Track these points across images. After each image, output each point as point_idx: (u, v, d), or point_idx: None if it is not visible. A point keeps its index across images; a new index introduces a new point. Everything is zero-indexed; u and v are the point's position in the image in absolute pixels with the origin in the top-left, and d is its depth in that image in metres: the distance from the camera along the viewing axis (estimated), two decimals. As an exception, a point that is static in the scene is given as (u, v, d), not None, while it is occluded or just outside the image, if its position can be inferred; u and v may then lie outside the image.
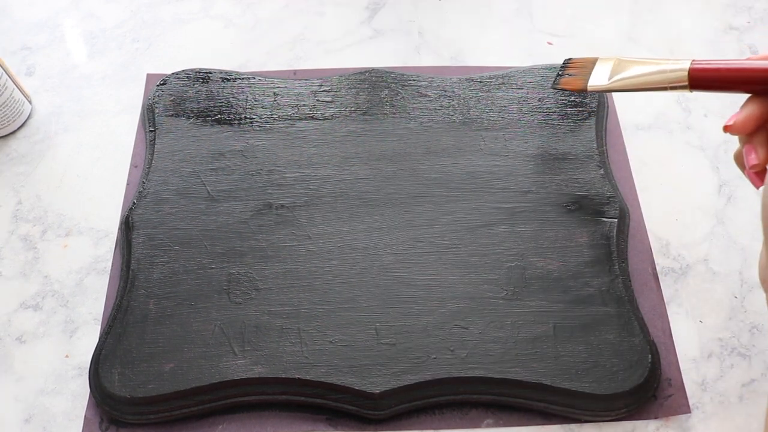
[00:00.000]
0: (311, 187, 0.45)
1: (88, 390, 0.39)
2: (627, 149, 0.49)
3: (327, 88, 0.50)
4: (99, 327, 0.42)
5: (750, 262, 0.44)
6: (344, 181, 0.45)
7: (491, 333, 0.40)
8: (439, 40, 0.55)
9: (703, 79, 0.36)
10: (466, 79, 0.50)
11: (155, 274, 0.42)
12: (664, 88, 0.38)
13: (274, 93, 0.50)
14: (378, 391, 0.38)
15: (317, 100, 0.49)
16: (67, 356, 0.41)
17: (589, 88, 0.42)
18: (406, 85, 0.50)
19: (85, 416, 0.39)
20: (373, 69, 0.51)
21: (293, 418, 0.39)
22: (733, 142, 0.49)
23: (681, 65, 0.37)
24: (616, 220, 0.44)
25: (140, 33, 0.55)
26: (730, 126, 0.35)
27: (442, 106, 0.49)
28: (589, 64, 0.43)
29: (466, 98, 0.49)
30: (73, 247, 0.45)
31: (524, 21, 0.56)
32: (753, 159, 0.35)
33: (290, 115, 0.49)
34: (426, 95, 0.49)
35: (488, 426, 0.39)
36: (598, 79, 0.42)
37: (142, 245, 0.43)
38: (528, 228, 0.43)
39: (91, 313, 0.42)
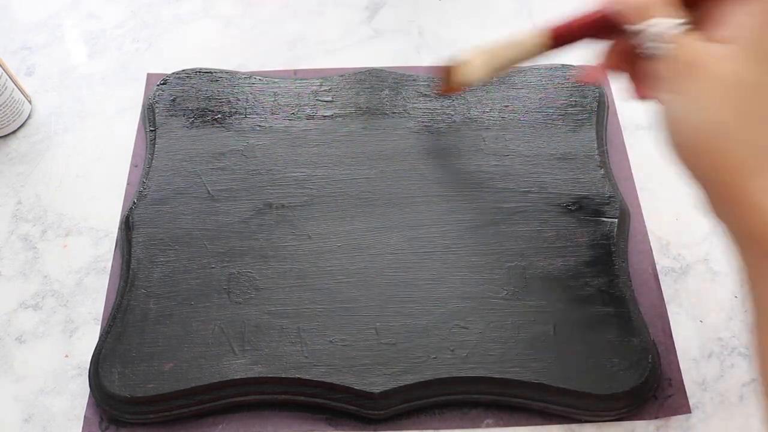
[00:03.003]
0: (311, 186, 0.45)
1: (88, 390, 0.39)
2: (627, 149, 0.49)
3: (327, 88, 0.50)
4: (99, 327, 0.42)
5: (750, 262, 0.44)
6: (344, 180, 0.45)
7: (491, 333, 0.40)
8: (439, 40, 0.55)
9: (560, 39, 0.38)
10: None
11: (155, 274, 0.42)
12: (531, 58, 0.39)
13: (275, 93, 0.50)
14: (378, 391, 0.38)
15: (317, 100, 0.49)
16: (67, 356, 0.41)
17: (466, 85, 0.42)
18: (407, 85, 0.50)
19: (84, 416, 0.39)
20: (373, 69, 0.51)
21: (293, 418, 0.39)
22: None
23: (536, 35, 0.39)
24: (616, 220, 0.44)
25: (140, 33, 0.55)
26: (604, 66, 0.37)
27: (442, 106, 0.49)
28: (458, 62, 0.43)
29: (467, 98, 0.49)
30: (73, 247, 0.45)
31: (524, 21, 0.56)
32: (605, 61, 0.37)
33: (290, 115, 0.49)
34: (426, 95, 0.49)
35: (488, 426, 0.39)
36: (472, 73, 0.42)
37: (143, 245, 0.43)
38: (528, 228, 0.43)
39: (91, 313, 0.42)
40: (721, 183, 0.30)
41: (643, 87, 0.36)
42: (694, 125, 0.30)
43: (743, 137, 0.29)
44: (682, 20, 0.31)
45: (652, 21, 0.31)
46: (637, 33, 0.32)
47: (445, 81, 0.43)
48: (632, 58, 0.35)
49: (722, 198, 0.30)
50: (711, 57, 0.30)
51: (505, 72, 0.41)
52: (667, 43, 0.31)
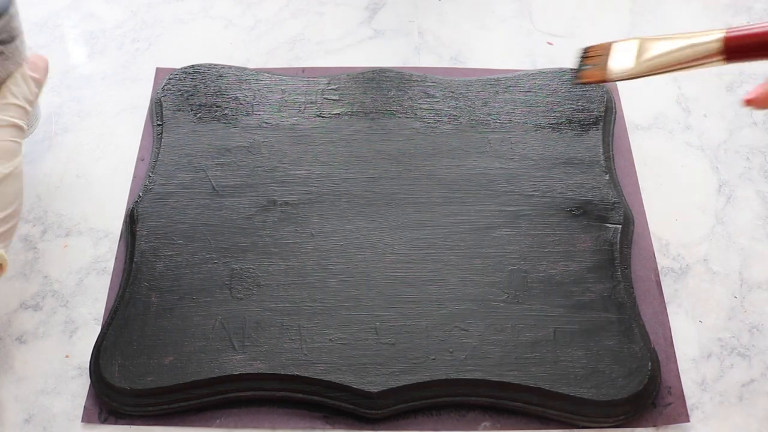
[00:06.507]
0: (316, 184, 0.45)
1: (88, 388, 0.40)
2: (632, 153, 0.49)
3: (334, 87, 0.50)
4: (99, 327, 0.42)
5: (750, 262, 0.44)
6: (349, 179, 0.46)
7: (491, 336, 0.40)
8: (439, 41, 0.55)
9: (740, 47, 0.33)
10: (473, 81, 0.50)
11: (158, 267, 0.42)
12: (697, 63, 0.35)
13: (282, 90, 0.50)
14: (376, 391, 0.38)
15: (324, 98, 0.49)
16: (67, 356, 0.41)
17: (614, 77, 0.38)
18: (414, 86, 0.50)
19: (84, 406, 0.39)
20: (381, 68, 0.51)
21: (291, 415, 0.39)
22: (733, 142, 0.50)
23: (713, 36, 0.34)
24: (620, 226, 0.44)
25: (140, 33, 0.55)
26: (751, 100, 0.33)
27: (448, 108, 0.49)
28: (606, 51, 0.39)
29: (473, 100, 0.49)
30: (73, 247, 0.45)
31: (524, 21, 0.56)
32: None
33: (297, 113, 0.49)
34: (433, 96, 0.49)
35: (485, 429, 0.39)
36: (621, 64, 0.38)
37: (146, 238, 0.43)
38: (531, 232, 0.43)
39: (91, 313, 0.42)
40: None
41: None
42: None
43: None
44: None
45: None
46: None
47: (597, 67, 0.39)
48: None
49: None
50: None
51: (656, 73, 0.36)
52: None
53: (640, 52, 0.38)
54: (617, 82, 0.52)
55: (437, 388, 0.39)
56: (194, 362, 0.39)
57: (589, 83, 0.41)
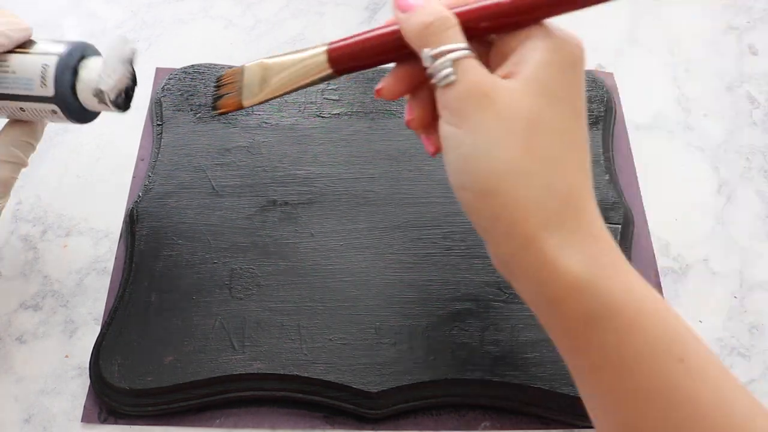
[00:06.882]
0: (315, 184, 0.45)
1: (88, 388, 0.40)
2: (632, 153, 0.49)
3: (334, 86, 0.50)
4: (99, 327, 0.42)
5: (750, 262, 0.44)
6: (348, 179, 0.46)
7: (491, 336, 0.40)
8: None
9: (343, 59, 0.32)
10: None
11: (158, 267, 0.42)
12: (313, 80, 0.34)
13: (282, 90, 0.50)
14: (376, 391, 0.38)
15: (324, 98, 0.49)
16: (67, 356, 0.41)
17: (245, 104, 0.36)
18: (414, 86, 0.50)
19: (84, 406, 0.39)
20: (380, 68, 0.51)
21: (291, 415, 0.39)
22: (734, 142, 0.50)
23: (318, 50, 0.33)
24: (620, 226, 0.44)
25: (140, 33, 0.55)
26: (379, 89, 0.32)
27: (448, 108, 0.49)
28: (238, 77, 0.37)
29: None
30: (73, 247, 0.45)
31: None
32: (407, 113, 0.32)
33: (297, 113, 0.49)
34: (433, 96, 0.49)
35: (485, 429, 0.39)
36: (250, 90, 0.36)
37: (146, 238, 0.43)
38: (531, 231, 0.43)
39: (91, 313, 0.42)
40: (509, 233, 0.27)
41: (427, 120, 0.32)
42: (483, 164, 0.27)
43: (536, 180, 0.26)
44: (467, 47, 0.28)
45: (441, 46, 0.28)
46: (425, 57, 0.28)
47: (231, 95, 0.37)
48: (416, 83, 0.31)
49: (510, 250, 0.27)
50: (499, 89, 0.27)
51: (284, 94, 0.35)
52: (453, 69, 0.28)
53: (263, 74, 0.36)
54: (616, 82, 0.52)
55: (437, 388, 0.39)
56: (194, 362, 0.39)
57: (227, 113, 0.38)
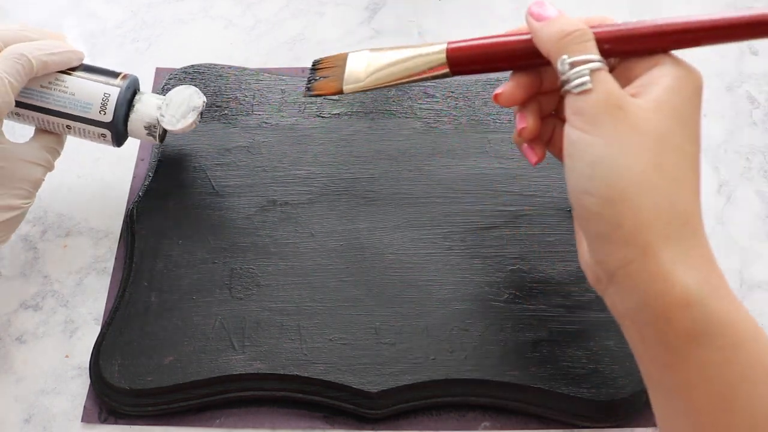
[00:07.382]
0: (315, 184, 0.45)
1: (88, 388, 0.40)
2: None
3: (334, 87, 0.50)
4: (99, 327, 0.42)
5: (750, 262, 0.44)
6: (348, 179, 0.46)
7: (491, 336, 0.40)
8: (439, 41, 0.55)
9: (461, 60, 0.34)
10: (473, 81, 0.50)
11: (158, 267, 0.42)
12: (425, 77, 0.35)
13: (282, 90, 0.50)
14: (375, 391, 0.38)
15: (324, 98, 0.49)
16: (67, 356, 0.41)
17: (345, 89, 0.37)
18: (413, 86, 0.50)
19: (84, 406, 0.39)
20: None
21: (291, 415, 0.39)
22: (734, 142, 0.50)
23: (438, 47, 0.34)
24: (620, 226, 0.44)
25: (140, 33, 0.55)
26: (498, 94, 0.34)
27: (448, 107, 0.49)
28: (340, 62, 0.37)
29: (473, 100, 0.49)
30: (73, 247, 0.45)
31: (524, 21, 0.56)
32: (520, 122, 0.34)
33: (297, 113, 0.49)
34: (433, 96, 0.49)
35: (485, 429, 0.39)
36: (354, 77, 0.36)
37: (146, 237, 0.43)
38: (531, 231, 0.43)
39: (91, 313, 0.42)
40: (629, 240, 0.27)
41: (537, 130, 0.34)
42: (614, 171, 0.28)
43: (663, 194, 0.28)
44: (603, 60, 0.30)
45: (581, 55, 0.30)
46: (561, 63, 0.30)
47: (329, 78, 0.38)
48: (531, 93, 0.34)
49: (626, 257, 0.28)
50: (632, 104, 0.29)
51: (387, 86, 0.36)
52: (589, 77, 0.29)
53: (370, 64, 0.36)
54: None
55: (437, 388, 0.39)
56: (194, 362, 0.39)
57: (323, 95, 0.38)
